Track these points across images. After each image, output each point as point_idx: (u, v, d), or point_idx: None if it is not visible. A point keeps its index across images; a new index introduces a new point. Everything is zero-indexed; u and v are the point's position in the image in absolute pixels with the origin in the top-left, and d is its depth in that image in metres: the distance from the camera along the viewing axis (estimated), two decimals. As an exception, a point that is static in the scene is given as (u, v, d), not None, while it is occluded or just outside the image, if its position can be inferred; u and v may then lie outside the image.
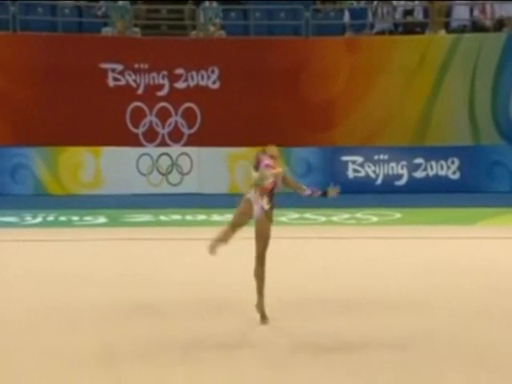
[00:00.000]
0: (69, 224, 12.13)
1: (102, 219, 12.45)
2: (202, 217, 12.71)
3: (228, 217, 12.41)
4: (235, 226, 7.53)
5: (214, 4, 16.35)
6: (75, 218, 12.47)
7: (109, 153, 15.00)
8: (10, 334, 6.90)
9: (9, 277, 8.84)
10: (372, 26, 16.40)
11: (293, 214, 12.57)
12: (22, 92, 14.90)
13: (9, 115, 14.80)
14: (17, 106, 14.85)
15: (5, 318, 7.33)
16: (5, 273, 9.01)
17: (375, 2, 16.56)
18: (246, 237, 7.54)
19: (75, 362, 6.11)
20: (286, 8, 16.33)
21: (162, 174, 15.20)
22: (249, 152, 15.24)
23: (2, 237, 10.88)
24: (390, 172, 15.23)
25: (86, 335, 6.79)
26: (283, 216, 12.41)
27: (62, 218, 12.43)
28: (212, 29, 16.11)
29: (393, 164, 15.23)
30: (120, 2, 16.03)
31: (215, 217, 12.70)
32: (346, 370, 6.04)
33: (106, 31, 15.86)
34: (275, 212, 7.57)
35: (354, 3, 16.85)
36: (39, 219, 12.30)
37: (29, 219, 12.24)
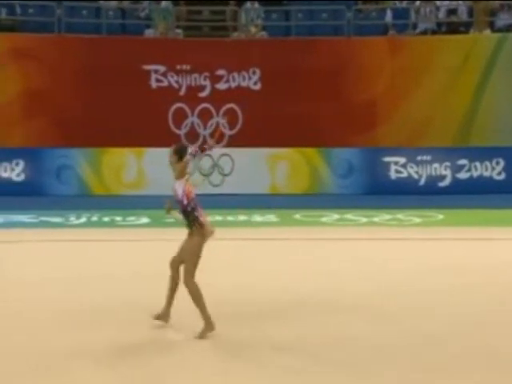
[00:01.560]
0: (112, 224, 12.35)
1: (144, 219, 12.67)
2: (242, 217, 12.88)
3: (268, 217, 12.70)
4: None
5: (256, 5, 16.52)
6: (118, 219, 12.69)
7: (151, 154, 15.22)
8: (64, 332, 7.13)
9: (54, 276, 9.08)
10: (415, 26, 16.44)
11: (334, 215, 12.69)
12: (67, 94, 15.22)
13: (54, 117, 15.12)
14: (62, 108, 15.17)
15: (49, 317, 7.56)
16: (50, 272, 9.27)
17: (418, 2, 16.60)
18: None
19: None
20: (327, 8, 16.45)
21: (204, 175, 15.42)
22: (289, 153, 15.44)
23: (48, 237, 11.14)
24: (433, 173, 15.25)
25: (133, 333, 7.00)
26: (325, 217, 12.54)
27: (106, 219, 12.66)
28: (253, 30, 16.30)
29: (436, 165, 15.25)
30: (163, 4, 16.28)
31: (256, 217, 12.87)
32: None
33: (149, 33, 16.13)
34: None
35: (397, 3, 16.91)
36: (83, 219, 12.55)
37: (73, 219, 12.49)
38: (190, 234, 7.26)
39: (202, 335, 7.04)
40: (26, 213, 12.71)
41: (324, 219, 12.29)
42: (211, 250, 10.38)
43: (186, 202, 7.21)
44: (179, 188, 7.23)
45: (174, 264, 7.38)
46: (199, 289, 7.15)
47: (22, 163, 14.80)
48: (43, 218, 12.46)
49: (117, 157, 15.22)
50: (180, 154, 7.43)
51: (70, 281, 8.84)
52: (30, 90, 15.07)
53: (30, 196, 14.31)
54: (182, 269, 7.28)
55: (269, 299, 8.19)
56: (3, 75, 14.97)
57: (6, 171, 14.70)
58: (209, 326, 7.08)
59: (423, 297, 8.20)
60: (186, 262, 7.21)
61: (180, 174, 7.30)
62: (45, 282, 8.75)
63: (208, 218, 7.30)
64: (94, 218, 12.63)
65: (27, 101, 15.08)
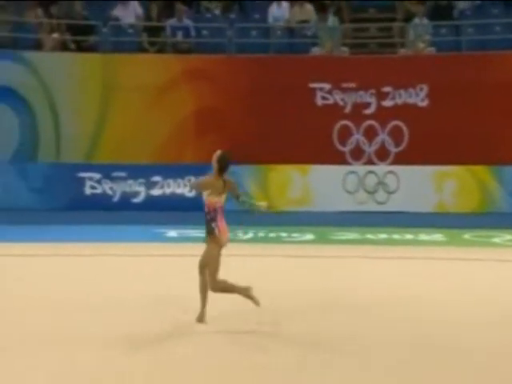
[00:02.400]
0: (278, 240, 12.61)
1: (309, 236, 12.87)
2: (409, 236, 12.82)
3: (435, 236, 12.57)
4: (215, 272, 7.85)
5: (425, 21, 16.39)
6: (284, 235, 12.95)
7: (316, 170, 15.46)
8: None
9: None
10: None
11: (506, 236, 12.36)
12: (236, 112, 15.70)
13: (224, 134, 15.58)
14: (231, 126, 15.65)
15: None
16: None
17: None
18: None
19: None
20: (501, 22, 16.06)
21: (369, 193, 15.45)
22: (457, 170, 15.20)
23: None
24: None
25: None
26: (496, 237, 12.22)
27: (272, 235, 12.96)
28: (421, 45, 16.20)
29: None
30: (329, 22, 16.50)
31: (422, 236, 12.78)
32: None
33: (315, 51, 16.39)
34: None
35: None
36: (250, 235, 12.90)
37: (240, 235, 12.83)
38: (207, 241, 7.85)
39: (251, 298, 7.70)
40: (198, 228, 13.14)
41: (496, 240, 12.01)
42: (379, 267, 10.53)
43: (206, 209, 7.79)
44: (206, 199, 7.86)
45: (200, 268, 7.89)
46: (225, 281, 7.76)
47: (193, 179, 15.35)
48: (212, 233, 12.88)
49: (282, 174, 15.54)
50: (221, 164, 7.82)
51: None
52: (202, 109, 15.67)
53: (201, 211, 14.71)
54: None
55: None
56: (178, 96, 15.66)
57: (179, 187, 15.35)
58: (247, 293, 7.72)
59: None
60: (208, 267, 7.79)
61: (204, 187, 7.80)
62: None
63: (227, 230, 7.93)
64: (261, 234, 12.94)
65: (199, 119, 15.70)
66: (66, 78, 15.49)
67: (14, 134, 15.65)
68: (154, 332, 7.66)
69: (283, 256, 11.32)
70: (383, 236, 12.90)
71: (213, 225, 7.80)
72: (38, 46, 16.26)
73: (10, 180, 15.21)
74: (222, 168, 7.86)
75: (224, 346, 7.42)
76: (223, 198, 7.95)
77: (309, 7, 16.72)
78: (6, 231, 12.64)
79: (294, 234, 12.94)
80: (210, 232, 7.84)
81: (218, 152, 8.01)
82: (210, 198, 7.83)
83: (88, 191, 15.34)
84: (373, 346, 7.32)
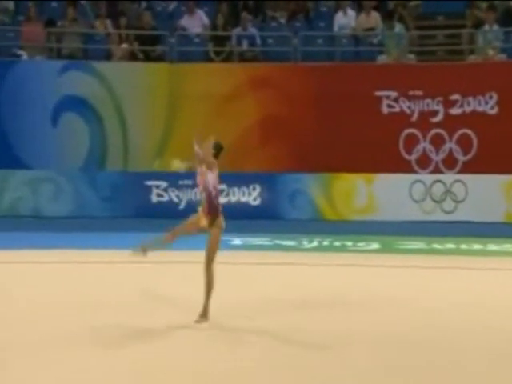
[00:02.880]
0: (343, 249, 12.57)
1: (374, 245, 12.81)
2: (477, 246, 12.67)
3: (505, 247, 12.37)
4: (181, 232, 8.34)
5: (495, 27, 16.17)
6: (349, 244, 12.91)
7: (382, 179, 15.38)
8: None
9: (287, 297, 9.43)
10: None
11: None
12: (301, 120, 15.73)
13: (289, 143, 15.67)
14: (296, 134, 15.69)
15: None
16: (284, 293, 9.63)
17: None
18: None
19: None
20: None
21: (436, 202, 15.31)
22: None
23: (283, 259, 11.55)
24: None
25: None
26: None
27: (337, 243, 12.92)
28: (491, 52, 15.99)
29: None
30: (396, 30, 16.43)
31: (491, 246, 12.60)
32: None
33: (382, 59, 16.34)
34: None
35: None
36: (315, 244, 12.89)
37: (305, 243, 12.86)
38: (211, 225, 8.16)
39: (198, 321, 7.93)
40: (262, 236, 13.27)
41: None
42: (447, 277, 10.43)
43: (214, 193, 8.27)
44: (211, 180, 8.28)
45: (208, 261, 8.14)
46: (214, 279, 8.02)
47: (258, 188, 15.52)
48: (278, 242, 12.93)
49: (347, 182, 15.49)
50: (217, 150, 8.43)
51: (301, 302, 9.12)
52: (267, 118, 15.76)
53: (266, 219, 14.93)
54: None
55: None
56: (243, 104, 15.78)
57: (244, 195, 15.48)
58: (205, 314, 7.97)
59: None
60: (208, 251, 8.11)
61: (212, 166, 8.24)
62: (276, 303, 9.11)
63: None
64: (325, 243, 12.93)
65: (264, 128, 15.79)
66: (134, 88, 15.78)
67: (85, 142, 16.00)
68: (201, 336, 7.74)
69: (348, 265, 11.28)
70: (450, 246, 12.76)
71: (219, 208, 8.26)
72: (107, 56, 16.62)
73: (80, 188, 15.56)
74: (218, 154, 8.49)
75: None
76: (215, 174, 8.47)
77: (375, 15, 16.68)
78: (75, 238, 12.91)
79: (360, 243, 12.88)
80: (216, 215, 8.24)
81: (212, 139, 8.56)
82: (215, 180, 8.39)
83: (155, 199, 15.58)
84: (446, 353, 7.27)
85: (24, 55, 16.40)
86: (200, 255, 8.27)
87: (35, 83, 15.75)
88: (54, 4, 17.75)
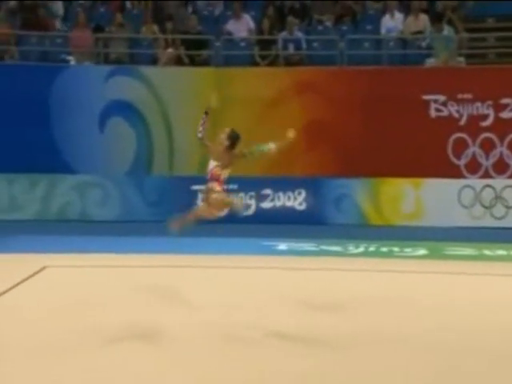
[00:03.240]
0: (389, 255, 12.44)
1: (422, 251, 12.66)
2: (528, 252, 12.47)
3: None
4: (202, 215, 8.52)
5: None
6: (396, 249, 12.77)
7: (430, 184, 15.23)
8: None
9: (333, 302, 9.39)
10: None
11: None
12: (347, 124, 15.64)
13: (335, 147, 15.58)
14: (342, 138, 15.62)
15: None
16: (330, 296, 9.61)
17: None
18: None
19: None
20: None
21: (485, 207, 15.09)
22: None
23: (327, 265, 11.51)
24: None
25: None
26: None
27: (383, 249, 12.80)
28: (542, 55, 15.73)
29: None
30: (445, 33, 16.25)
31: (542, 253, 12.39)
32: None
33: (430, 62, 16.17)
34: None
35: None
36: (361, 249, 12.78)
37: (351, 249, 12.77)
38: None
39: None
40: (308, 241, 13.22)
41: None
42: (498, 284, 10.27)
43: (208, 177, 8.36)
44: (211, 165, 8.36)
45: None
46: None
47: (303, 192, 15.48)
48: (323, 247, 12.87)
49: (394, 187, 15.36)
50: (233, 140, 8.24)
51: (347, 308, 9.08)
52: (313, 122, 15.68)
53: (311, 224, 14.90)
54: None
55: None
56: (289, 109, 15.73)
57: (289, 200, 15.45)
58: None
59: None
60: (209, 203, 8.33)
61: (228, 163, 8.23)
62: (319, 308, 9.08)
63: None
64: (372, 249, 12.82)
65: (310, 132, 15.69)
66: (179, 92, 15.86)
67: (131, 147, 16.13)
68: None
69: (395, 271, 11.17)
70: (501, 252, 12.56)
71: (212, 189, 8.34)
72: (153, 61, 16.75)
73: (127, 192, 15.68)
74: (234, 144, 8.32)
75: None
76: (227, 172, 8.50)
77: (423, 17, 16.53)
78: (124, 243, 12.99)
79: (407, 249, 12.73)
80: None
81: (227, 129, 8.44)
82: (216, 170, 8.33)
83: (200, 203, 15.60)
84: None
85: (72, 60, 16.61)
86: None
87: (83, 88, 15.93)
88: (102, 9, 17.97)
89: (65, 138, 16.01)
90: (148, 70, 16.20)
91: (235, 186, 15.48)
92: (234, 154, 8.34)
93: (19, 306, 8.94)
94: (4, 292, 9.47)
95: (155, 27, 16.97)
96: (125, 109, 15.96)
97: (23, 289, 9.77)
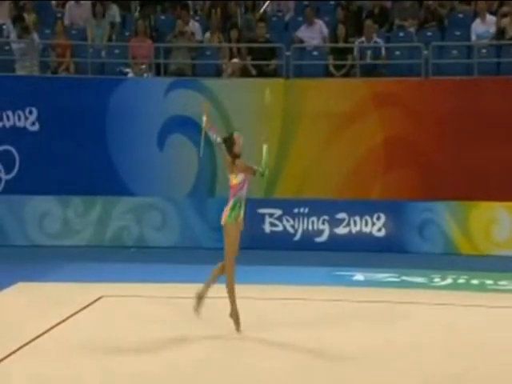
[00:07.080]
0: (482, 288, 12.02)
1: (520, 284, 12.21)
2: None
3: None
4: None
5: None
6: (489, 282, 12.33)
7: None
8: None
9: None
10: None
11: None
12: (432, 141, 15.21)
13: (417, 166, 15.17)
14: (426, 157, 15.19)
15: None
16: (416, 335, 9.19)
17: None
18: None
19: None
20: None
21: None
22: None
23: (411, 298, 11.18)
24: None
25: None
26: None
27: (474, 281, 12.37)
28: None
29: None
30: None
31: None
32: None
33: (527, 71, 15.64)
34: None
35: None
36: (449, 281, 12.39)
37: (438, 280, 12.39)
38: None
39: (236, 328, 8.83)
40: (388, 271, 12.92)
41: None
42: None
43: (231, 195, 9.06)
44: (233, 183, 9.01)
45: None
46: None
47: (383, 217, 15.09)
48: (405, 278, 12.55)
49: (487, 212, 14.87)
50: (226, 145, 9.09)
51: (435, 348, 8.74)
52: (393, 139, 15.28)
53: (391, 252, 14.55)
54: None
55: None
56: (367, 124, 15.34)
57: (366, 225, 15.10)
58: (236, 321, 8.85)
59: None
60: (226, 250, 8.96)
61: (243, 170, 8.93)
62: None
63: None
64: (461, 280, 12.43)
65: (390, 150, 15.32)
66: (246, 106, 15.64)
67: (193, 167, 15.93)
68: None
69: (489, 307, 10.74)
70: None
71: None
72: (217, 72, 16.59)
73: (188, 216, 15.49)
74: (230, 147, 9.16)
75: None
76: (232, 179, 9.19)
77: (519, 21, 16.03)
78: (184, 271, 12.77)
79: (501, 282, 12.30)
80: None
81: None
82: (232, 179, 9.15)
83: (268, 228, 15.36)
84: None
85: (130, 73, 16.57)
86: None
87: (141, 102, 15.82)
88: (163, 17, 17.94)
89: (121, 157, 15.91)
90: (212, 83, 16.03)
91: (306, 210, 15.19)
92: (240, 163, 9.10)
93: (74, 337, 9.29)
94: (59, 323, 9.77)
95: (220, 36, 16.83)
96: (186, 125, 15.75)
97: (80, 318, 10.12)
